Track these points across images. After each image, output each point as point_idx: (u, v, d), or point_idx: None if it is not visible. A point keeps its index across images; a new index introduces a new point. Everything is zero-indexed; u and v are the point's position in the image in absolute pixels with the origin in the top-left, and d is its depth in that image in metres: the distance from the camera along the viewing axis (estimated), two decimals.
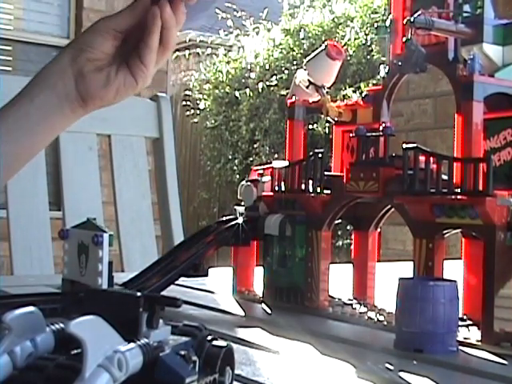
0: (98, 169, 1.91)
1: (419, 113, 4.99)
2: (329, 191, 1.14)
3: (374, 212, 1.20)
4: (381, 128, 1.09)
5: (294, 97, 1.26)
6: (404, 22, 1.04)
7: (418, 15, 0.99)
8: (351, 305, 1.17)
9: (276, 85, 6.33)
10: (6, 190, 1.74)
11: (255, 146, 6.55)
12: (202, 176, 7.65)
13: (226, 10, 7.67)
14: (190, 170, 7.80)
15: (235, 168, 6.83)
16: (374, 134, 1.08)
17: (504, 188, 0.96)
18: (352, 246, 1.25)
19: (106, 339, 0.49)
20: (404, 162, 1.01)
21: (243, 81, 6.90)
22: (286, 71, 6.27)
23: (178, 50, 8.11)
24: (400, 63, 1.07)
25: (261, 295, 1.24)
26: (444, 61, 1.05)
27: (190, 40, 8.10)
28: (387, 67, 1.15)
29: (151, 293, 1.08)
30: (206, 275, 1.22)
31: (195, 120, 7.39)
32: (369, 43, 5.90)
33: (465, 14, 1.03)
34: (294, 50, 6.42)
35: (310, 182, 1.16)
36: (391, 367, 0.83)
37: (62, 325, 0.54)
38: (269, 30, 6.96)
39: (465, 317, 1.02)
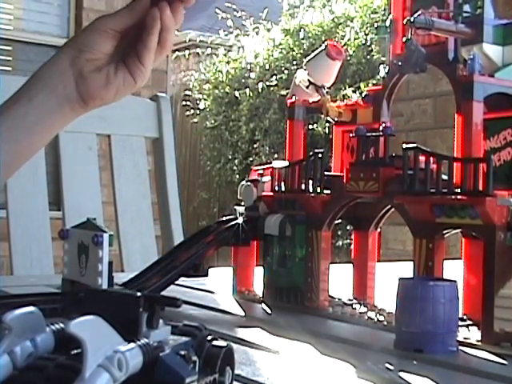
0: (97, 169, 1.91)
1: (419, 113, 4.99)
2: (329, 191, 1.14)
3: (374, 212, 1.20)
4: (381, 128, 1.09)
5: (293, 97, 1.26)
6: (404, 22, 1.04)
7: (418, 15, 0.99)
8: (351, 305, 1.17)
9: (276, 85, 6.32)
10: (5, 190, 1.74)
11: (255, 145, 6.55)
12: (201, 176, 7.65)
13: (225, 10, 7.67)
14: (189, 170, 7.80)
15: (235, 168, 6.83)
16: (373, 134, 1.08)
17: (504, 188, 0.96)
18: (352, 246, 1.25)
19: (106, 339, 0.49)
20: (404, 162, 1.01)
21: (243, 81, 6.90)
22: (286, 71, 6.27)
23: (177, 49, 8.11)
24: (400, 63, 1.07)
25: (261, 295, 1.24)
26: (444, 61, 1.05)
27: (189, 40, 8.10)
28: (387, 67, 1.15)
29: (151, 293, 1.08)
30: (206, 275, 1.22)
31: (195, 120, 7.38)
32: (369, 43, 5.89)
33: (465, 14, 1.03)
34: (293, 50, 6.42)
35: (310, 182, 1.16)
36: (391, 367, 0.83)
37: (61, 325, 0.54)
38: (269, 30, 6.96)
39: (465, 317, 1.02)
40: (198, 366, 0.55)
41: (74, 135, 1.83)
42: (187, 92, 7.51)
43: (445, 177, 0.98)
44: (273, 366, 0.84)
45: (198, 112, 7.32)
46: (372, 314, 1.08)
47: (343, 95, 5.35)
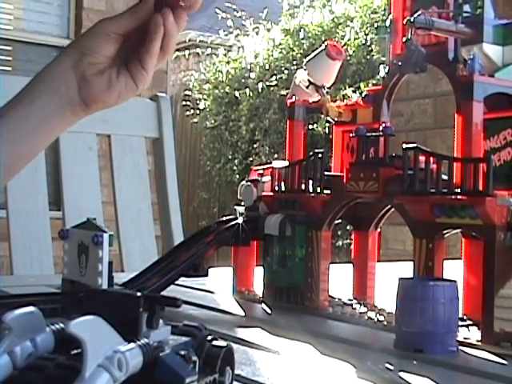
0: (97, 169, 1.91)
1: (419, 113, 4.99)
2: (329, 191, 1.14)
3: (374, 212, 1.20)
4: (381, 128, 1.09)
5: (293, 97, 1.26)
6: (404, 22, 1.04)
7: (418, 15, 0.99)
8: (351, 305, 1.17)
9: (276, 85, 6.32)
10: (5, 190, 1.74)
11: (255, 146, 6.55)
12: (201, 176, 7.65)
13: (225, 10, 7.66)
14: (189, 170, 7.80)
15: (235, 168, 6.83)
16: (373, 134, 1.08)
17: (504, 188, 0.96)
18: (352, 246, 1.25)
19: (106, 339, 0.49)
20: (404, 162, 1.01)
21: (243, 81, 6.90)
22: (286, 71, 6.27)
23: (177, 49, 8.10)
24: (400, 63, 1.07)
25: (261, 295, 1.24)
26: (444, 61, 1.05)
27: (189, 40, 8.09)
28: (387, 67, 1.15)
29: (151, 293, 1.08)
30: (206, 275, 1.22)
31: (195, 120, 7.38)
32: (369, 43, 5.89)
33: (465, 14, 1.03)
34: (293, 50, 6.42)
35: (310, 181, 1.16)
36: (391, 367, 0.83)
37: (61, 325, 0.54)
38: (269, 30, 6.96)
39: (465, 317, 1.02)
40: (198, 365, 0.55)
41: (74, 135, 1.83)
42: (187, 92, 7.51)
43: (445, 177, 0.98)
44: (273, 366, 0.84)
45: (197, 112, 7.32)
46: (372, 314, 1.09)
47: (343, 95, 5.35)
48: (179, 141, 7.30)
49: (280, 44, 6.63)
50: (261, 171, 1.29)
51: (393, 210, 1.14)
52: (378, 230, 1.23)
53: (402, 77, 1.14)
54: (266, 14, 7.10)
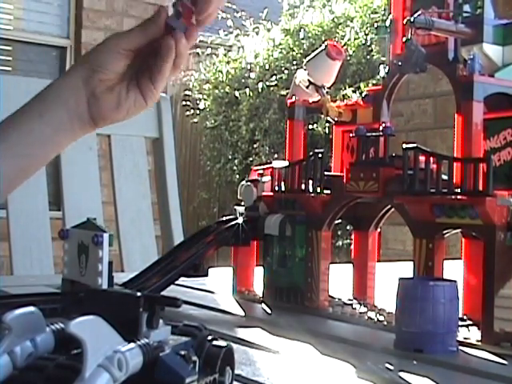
0: (97, 169, 1.91)
1: (419, 113, 4.99)
2: (329, 191, 1.14)
3: (374, 212, 1.20)
4: (381, 128, 1.09)
5: (293, 97, 1.26)
6: (404, 22, 1.04)
7: (418, 15, 0.99)
8: (351, 305, 1.17)
9: (276, 85, 6.32)
10: None
11: (255, 146, 6.55)
12: (201, 176, 7.64)
13: (225, 10, 7.65)
14: (189, 170, 7.80)
15: (235, 168, 6.83)
16: (373, 134, 1.08)
17: (504, 188, 0.96)
18: (352, 246, 1.25)
19: (106, 339, 0.49)
20: (404, 162, 1.01)
21: (243, 81, 6.90)
22: (286, 71, 6.27)
23: None
24: (400, 63, 1.07)
25: (261, 295, 1.24)
26: (444, 61, 1.05)
27: None
28: (387, 67, 1.15)
29: (151, 293, 1.08)
30: (206, 275, 1.22)
31: (195, 120, 7.38)
32: (369, 43, 5.89)
33: (465, 14, 1.03)
34: (293, 50, 6.42)
35: (310, 182, 1.16)
36: (391, 367, 0.83)
37: (61, 325, 0.54)
38: (269, 30, 6.96)
39: (465, 317, 1.02)
40: (198, 365, 0.55)
41: None
42: (187, 92, 7.50)
43: (445, 177, 0.97)
44: (273, 366, 0.84)
45: (197, 112, 7.32)
46: (372, 314, 1.09)
47: (343, 95, 5.35)
48: (179, 141, 7.30)
49: (280, 44, 6.63)
50: (261, 171, 1.29)
51: (393, 209, 1.14)
52: (378, 229, 1.23)
53: (402, 77, 1.14)
54: (266, 14, 7.10)
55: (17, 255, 1.73)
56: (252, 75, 6.75)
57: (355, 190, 1.09)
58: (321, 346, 0.92)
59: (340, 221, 1.21)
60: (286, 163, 1.22)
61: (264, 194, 1.25)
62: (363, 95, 1.20)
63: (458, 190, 0.95)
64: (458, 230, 1.01)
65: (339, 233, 5.35)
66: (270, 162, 1.27)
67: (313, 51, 1.27)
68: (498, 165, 1.07)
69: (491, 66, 1.02)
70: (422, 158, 1.00)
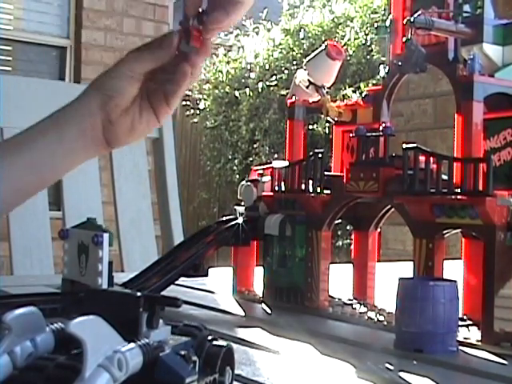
0: (97, 169, 1.91)
1: (419, 113, 4.99)
2: (329, 191, 1.14)
3: (374, 212, 1.20)
4: (381, 128, 1.09)
5: (293, 97, 1.26)
6: (404, 22, 1.04)
7: (418, 15, 0.99)
8: (351, 305, 1.17)
9: (276, 85, 6.32)
10: None
11: (255, 146, 6.55)
12: (201, 176, 7.65)
13: None
14: (190, 170, 7.80)
15: (235, 168, 6.83)
16: (373, 134, 1.08)
17: (504, 188, 0.96)
18: (352, 246, 1.25)
19: (106, 339, 0.49)
20: (404, 162, 1.01)
21: (243, 81, 6.90)
22: (286, 71, 6.27)
23: None
24: (400, 63, 1.07)
25: (261, 295, 1.24)
26: (444, 61, 1.05)
27: None
28: (387, 67, 1.15)
29: (151, 293, 1.08)
30: (206, 275, 1.22)
31: (195, 120, 7.38)
32: (369, 43, 5.89)
33: (465, 14, 1.03)
34: (293, 50, 6.42)
35: (310, 182, 1.16)
36: (391, 367, 0.83)
37: (61, 325, 0.54)
38: (269, 30, 6.96)
39: (465, 317, 1.02)
40: (198, 366, 0.55)
41: None
42: (187, 92, 7.50)
43: (445, 177, 0.97)
44: (273, 366, 0.84)
45: (198, 112, 7.32)
46: (372, 314, 1.09)
47: (343, 95, 5.35)
48: (179, 141, 7.30)
49: (280, 44, 6.63)
50: (261, 171, 1.29)
51: (393, 209, 1.14)
52: (378, 230, 1.23)
53: (402, 77, 1.14)
54: (266, 14, 7.10)
55: (17, 255, 1.73)
56: (252, 75, 6.75)
57: (355, 190, 1.09)
58: (321, 346, 0.92)
59: (340, 221, 1.21)
60: (286, 163, 1.22)
61: (264, 193, 1.25)
62: (363, 95, 1.20)
63: (458, 190, 0.95)
64: (458, 230, 1.01)
65: (339, 233, 5.35)
66: (270, 162, 1.27)
67: (313, 51, 1.27)
68: (498, 165, 1.07)
69: (491, 65, 1.02)
70: (422, 158, 1.00)
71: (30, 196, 0.95)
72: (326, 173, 1.15)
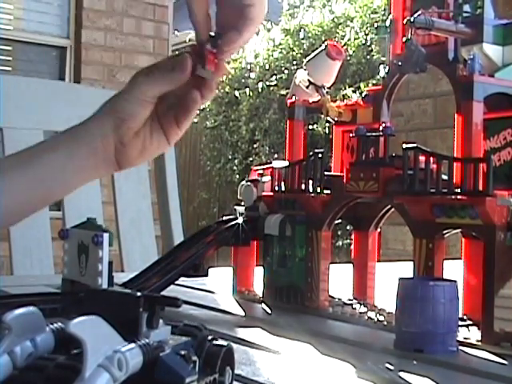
0: None
1: (419, 113, 4.99)
2: (329, 191, 1.14)
3: (374, 212, 1.20)
4: (381, 128, 1.09)
5: (293, 97, 1.26)
6: (404, 22, 1.04)
7: (418, 15, 0.99)
8: (351, 305, 1.17)
9: (276, 85, 6.33)
10: None
11: (255, 146, 6.55)
12: (201, 176, 7.65)
13: None
14: (189, 170, 7.80)
15: (235, 168, 6.83)
16: (373, 134, 1.08)
17: (504, 188, 0.96)
18: (352, 246, 1.25)
19: (106, 339, 0.49)
20: (404, 162, 1.01)
21: (243, 81, 6.90)
22: (286, 71, 6.27)
23: (177, 49, 8.10)
24: (400, 63, 1.07)
25: (261, 295, 1.24)
26: (444, 61, 1.05)
27: (189, 40, 8.08)
28: (387, 67, 1.15)
29: (151, 293, 1.08)
30: (206, 275, 1.22)
31: (195, 120, 7.38)
32: (369, 43, 5.90)
33: (465, 14, 1.03)
34: (293, 50, 6.42)
35: (310, 182, 1.16)
36: (391, 367, 0.83)
37: (61, 325, 0.54)
38: (269, 30, 6.96)
39: (465, 317, 1.02)
40: (198, 365, 0.55)
41: None
42: None
43: (445, 177, 0.97)
44: (273, 366, 0.84)
45: (197, 112, 7.32)
46: (372, 314, 1.09)
47: (343, 95, 5.36)
48: (179, 141, 7.29)
49: (280, 44, 6.63)
50: (261, 171, 1.29)
51: (393, 209, 1.14)
52: (378, 230, 1.23)
53: (402, 77, 1.14)
54: (266, 14, 7.09)
55: (17, 255, 1.73)
56: (252, 75, 6.76)
57: (355, 190, 1.09)
58: (321, 346, 0.92)
59: (340, 221, 1.21)
60: (286, 163, 1.22)
61: (264, 193, 1.25)
62: (363, 95, 1.20)
63: (458, 190, 0.95)
64: (458, 230, 1.01)
65: (339, 233, 5.36)
66: (270, 162, 1.27)
67: (313, 51, 1.27)
68: (498, 165, 1.07)
69: (491, 65, 1.02)
70: (422, 158, 1.00)
71: (35, 210, 0.95)
72: (326, 173, 1.15)
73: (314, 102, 1.25)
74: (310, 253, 1.16)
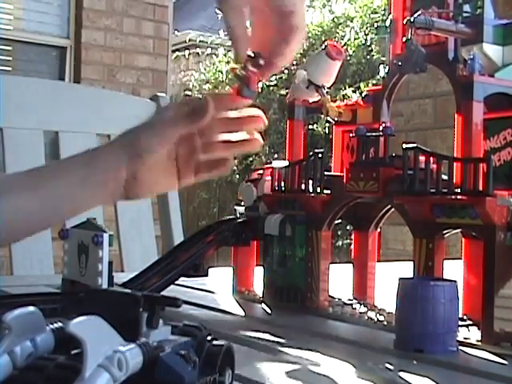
0: None
1: (419, 113, 4.99)
2: (329, 191, 1.14)
3: (374, 212, 1.20)
4: (381, 128, 1.09)
5: (293, 96, 1.26)
6: (404, 22, 1.04)
7: (418, 15, 0.99)
8: (351, 305, 1.17)
9: (276, 85, 6.33)
10: None
11: None
12: None
13: None
14: None
15: (235, 168, 6.83)
16: (373, 134, 1.08)
17: (504, 188, 0.96)
18: (352, 246, 1.25)
19: (106, 339, 0.49)
20: (404, 162, 1.01)
21: None
22: (286, 71, 6.27)
23: (177, 49, 8.11)
24: (400, 63, 1.07)
25: (261, 295, 1.24)
26: (444, 61, 1.05)
27: (189, 40, 8.09)
28: (387, 67, 1.15)
29: (151, 293, 1.08)
30: (206, 275, 1.22)
31: None
32: (369, 43, 5.89)
33: (465, 14, 1.03)
34: None
35: (310, 182, 1.16)
36: (391, 367, 0.83)
37: (61, 325, 0.54)
38: None
39: (465, 317, 1.02)
40: (198, 365, 0.55)
41: (74, 135, 1.83)
42: (187, 92, 7.51)
43: (445, 177, 0.97)
44: (273, 366, 0.84)
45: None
46: (372, 314, 1.09)
47: (343, 95, 5.36)
48: None
49: None
50: (261, 171, 1.29)
51: (393, 209, 1.14)
52: (378, 230, 1.23)
53: (402, 77, 1.14)
54: None
55: (17, 255, 1.73)
56: None
57: (355, 190, 1.09)
58: (321, 346, 0.92)
59: (340, 221, 1.21)
60: (286, 163, 1.22)
61: (264, 193, 1.25)
62: (363, 95, 1.20)
63: (458, 190, 0.95)
64: (458, 230, 1.01)
65: (339, 233, 5.36)
66: (270, 162, 1.27)
67: (313, 51, 1.27)
68: (498, 165, 1.07)
69: (491, 65, 1.02)
70: (422, 158, 1.00)
71: (41, 229, 0.95)
72: (326, 173, 1.15)
73: (314, 102, 1.25)
74: (309, 253, 1.16)
